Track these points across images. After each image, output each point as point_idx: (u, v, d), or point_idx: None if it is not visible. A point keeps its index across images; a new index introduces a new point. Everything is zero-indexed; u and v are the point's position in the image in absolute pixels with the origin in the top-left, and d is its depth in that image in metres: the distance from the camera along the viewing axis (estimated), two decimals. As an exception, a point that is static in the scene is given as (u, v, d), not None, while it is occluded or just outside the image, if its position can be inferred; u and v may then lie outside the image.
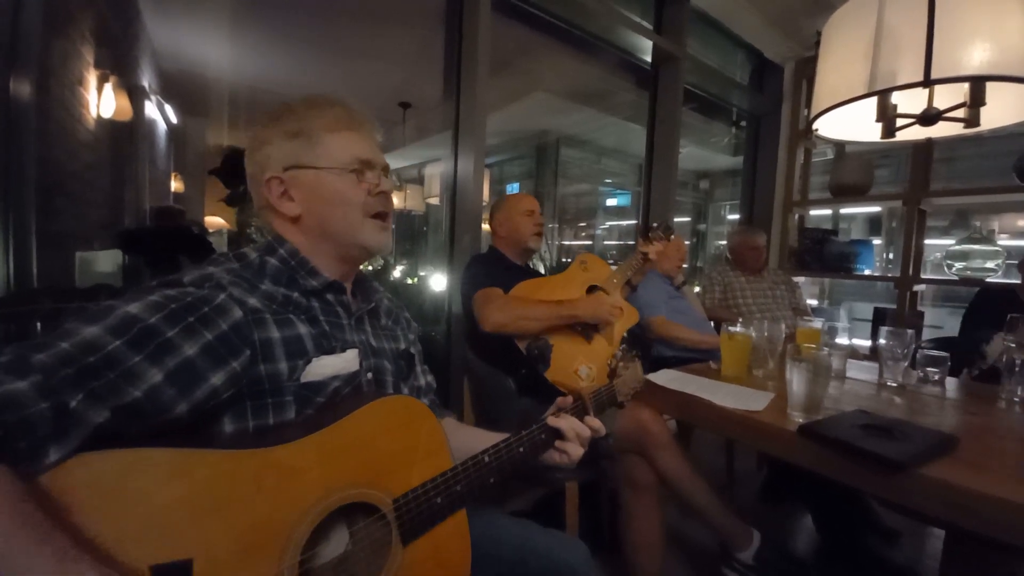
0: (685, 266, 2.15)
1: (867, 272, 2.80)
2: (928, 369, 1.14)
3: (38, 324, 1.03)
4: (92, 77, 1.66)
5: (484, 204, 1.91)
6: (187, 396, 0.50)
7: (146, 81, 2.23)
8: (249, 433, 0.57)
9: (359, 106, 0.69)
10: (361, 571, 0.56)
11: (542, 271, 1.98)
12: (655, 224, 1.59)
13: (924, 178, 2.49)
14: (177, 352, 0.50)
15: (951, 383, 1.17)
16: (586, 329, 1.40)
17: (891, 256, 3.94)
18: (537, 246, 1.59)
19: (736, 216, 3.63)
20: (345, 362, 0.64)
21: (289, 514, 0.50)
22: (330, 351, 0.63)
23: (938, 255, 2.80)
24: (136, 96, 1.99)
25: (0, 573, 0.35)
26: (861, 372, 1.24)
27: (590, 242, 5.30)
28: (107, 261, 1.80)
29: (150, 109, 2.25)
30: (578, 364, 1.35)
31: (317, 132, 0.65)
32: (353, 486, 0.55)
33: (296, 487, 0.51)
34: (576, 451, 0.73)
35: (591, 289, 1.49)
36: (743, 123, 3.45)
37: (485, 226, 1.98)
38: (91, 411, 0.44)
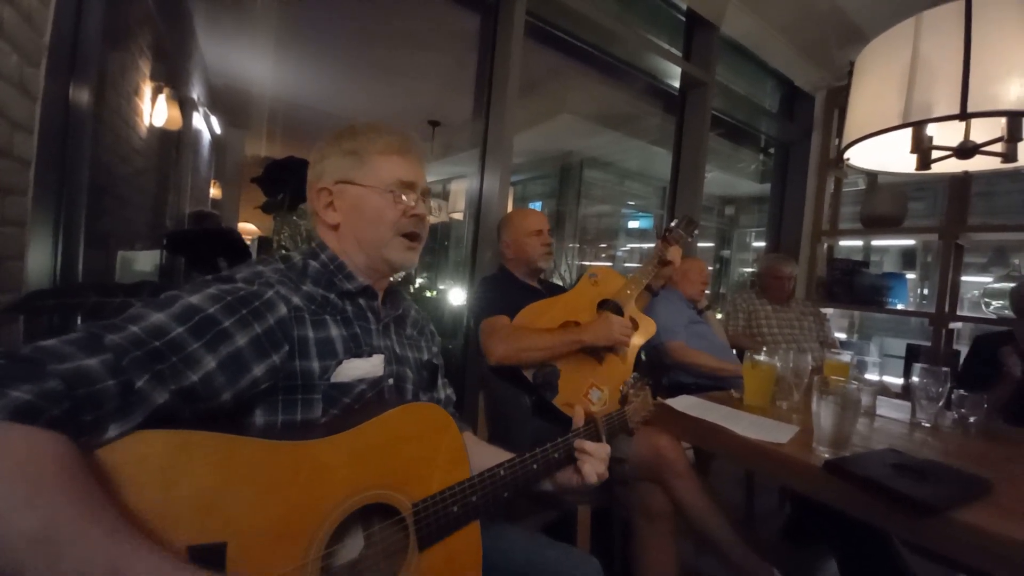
0: (708, 292, 2.12)
1: (900, 307, 2.70)
2: (963, 411, 1.09)
3: (79, 317, 1.09)
4: (147, 88, 1.77)
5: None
6: (233, 384, 0.53)
7: (195, 94, 2.37)
8: (277, 428, 0.59)
9: (413, 135, 0.75)
10: (377, 571, 0.56)
11: (561, 284, 1.94)
12: (674, 222, 1.47)
13: (961, 212, 2.41)
14: (230, 341, 0.53)
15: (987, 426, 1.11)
16: (597, 350, 1.35)
17: (926, 291, 3.80)
18: (547, 265, 1.53)
19: (762, 243, 3.57)
20: (372, 366, 0.67)
21: (319, 508, 0.51)
22: (358, 354, 0.66)
23: (976, 293, 2.69)
24: (186, 107, 2.11)
25: (52, 542, 0.36)
26: (892, 410, 1.19)
27: (610, 263, 5.28)
28: (146, 261, 1.88)
29: (197, 120, 2.38)
30: (590, 388, 1.31)
31: (370, 154, 0.71)
32: (377, 487, 0.56)
33: (327, 482, 0.52)
34: (593, 474, 0.73)
35: (602, 304, 1.42)
36: (771, 150, 3.42)
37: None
38: (154, 392, 0.46)
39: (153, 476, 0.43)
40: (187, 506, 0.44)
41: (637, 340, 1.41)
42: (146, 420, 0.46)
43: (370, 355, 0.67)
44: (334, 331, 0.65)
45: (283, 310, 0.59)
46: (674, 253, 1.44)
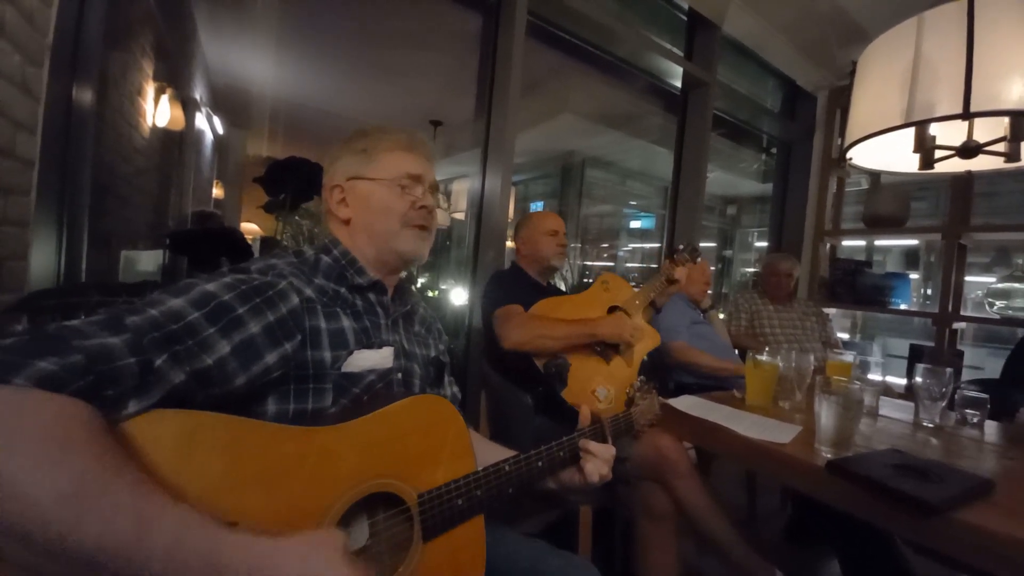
0: (710, 292, 2.12)
1: (903, 307, 2.69)
2: (967, 411, 1.08)
3: (81, 317, 1.09)
4: (150, 88, 1.77)
5: (509, 221, 1.94)
6: (246, 370, 0.54)
7: (198, 94, 2.37)
8: (288, 417, 0.60)
9: (421, 134, 0.79)
10: (382, 561, 0.56)
11: (563, 288, 1.97)
12: (680, 246, 1.57)
13: (964, 212, 2.40)
14: (244, 328, 0.55)
15: (990, 426, 1.11)
16: (605, 350, 1.38)
17: (929, 291, 3.79)
18: (560, 265, 1.60)
19: (764, 243, 3.57)
20: (381, 357, 0.69)
21: (326, 494, 0.52)
22: (369, 346, 0.68)
23: (979, 293, 2.68)
24: (188, 108, 2.12)
25: (79, 499, 0.36)
26: (895, 410, 1.19)
27: (612, 263, 5.28)
28: (149, 261, 1.89)
29: (200, 120, 2.39)
30: (596, 385, 1.33)
31: (379, 151, 0.74)
32: (384, 476, 0.56)
33: (334, 469, 0.53)
34: (595, 473, 0.73)
35: (612, 310, 1.47)
36: (773, 150, 3.41)
37: (509, 243, 2.00)
38: (172, 371, 0.48)
39: (166, 456, 0.44)
40: (197, 486, 0.44)
41: (642, 348, 1.45)
42: (161, 401, 0.46)
43: (379, 347, 0.69)
44: (345, 323, 0.66)
45: (295, 300, 0.61)
46: (680, 272, 1.51)
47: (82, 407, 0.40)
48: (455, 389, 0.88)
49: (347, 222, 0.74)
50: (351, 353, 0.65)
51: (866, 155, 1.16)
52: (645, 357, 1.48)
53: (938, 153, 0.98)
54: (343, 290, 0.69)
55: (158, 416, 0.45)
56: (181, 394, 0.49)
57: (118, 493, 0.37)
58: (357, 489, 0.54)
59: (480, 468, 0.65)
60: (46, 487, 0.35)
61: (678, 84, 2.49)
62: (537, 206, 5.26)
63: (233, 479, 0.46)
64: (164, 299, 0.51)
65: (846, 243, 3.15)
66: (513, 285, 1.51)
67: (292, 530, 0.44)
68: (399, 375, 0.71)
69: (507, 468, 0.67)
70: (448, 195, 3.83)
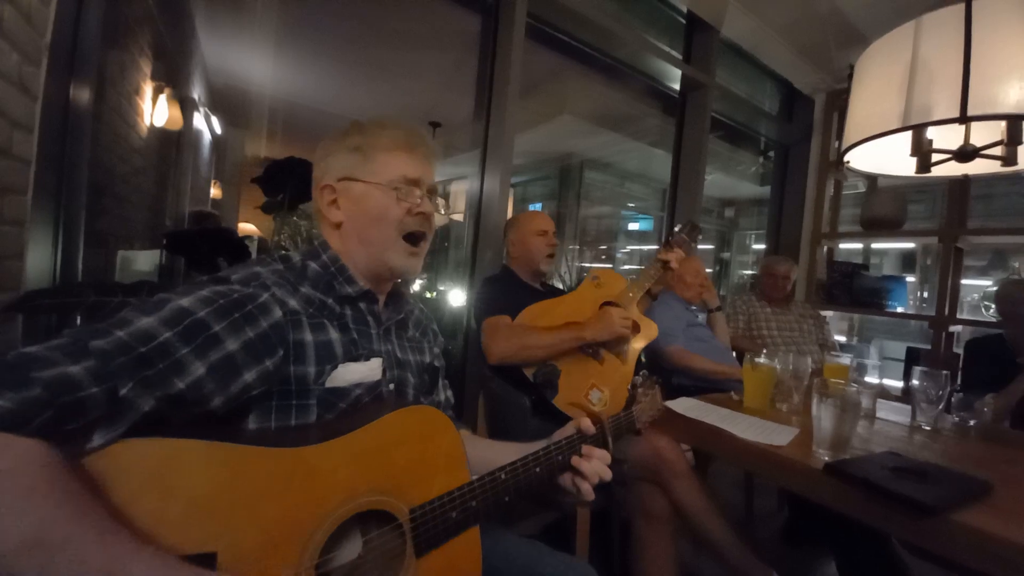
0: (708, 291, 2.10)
1: (900, 310, 2.70)
2: (963, 413, 1.09)
3: (78, 316, 1.08)
4: (148, 88, 1.77)
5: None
6: (224, 390, 0.51)
7: (196, 93, 2.37)
8: (271, 433, 0.57)
9: (421, 131, 0.72)
10: None
11: (561, 287, 1.95)
12: (678, 227, 1.50)
13: (961, 215, 2.42)
14: (221, 347, 0.51)
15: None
16: (597, 350, 1.35)
17: (926, 294, 3.81)
18: (548, 268, 1.55)
19: (762, 246, 3.58)
20: (369, 370, 0.65)
21: (312, 515, 0.50)
22: (356, 359, 0.64)
23: (975, 296, 2.69)
24: (187, 107, 2.11)
25: (45, 547, 0.36)
26: (892, 413, 1.19)
27: (610, 265, 5.28)
28: (146, 260, 1.88)
29: (198, 120, 2.38)
30: (590, 388, 1.31)
31: (375, 150, 0.68)
32: (374, 492, 0.55)
33: (321, 489, 0.51)
34: (595, 475, 0.71)
35: (605, 306, 1.42)
36: (771, 152, 3.42)
37: (507, 244, 1.99)
38: (140, 399, 0.45)
39: (138, 486, 0.42)
40: (177, 515, 0.43)
41: (639, 343, 1.42)
42: (133, 426, 0.45)
43: (367, 359, 0.65)
44: (333, 335, 0.63)
45: (277, 314, 0.57)
46: (674, 257, 1.43)
47: (40, 450, 0.38)
48: (448, 393, 0.85)
49: (338, 226, 0.69)
50: (336, 367, 0.61)
51: (863, 158, 1.16)
52: (642, 358, 1.46)
53: (935, 156, 0.98)
54: (330, 300, 0.65)
55: (128, 445, 0.43)
56: (153, 418, 0.46)
57: (84, 542, 0.36)
58: (346, 508, 0.52)
59: (476, 476, 0.63)
60: (9, 535, 0.35)
61: (676, 86, 2.50)
62: (535, 207, 5.27)
63: (214, 506, 0.45)
64: (133, 318, 0.48)
65: (843, 246, 3.16)
66: (504, 290, 1.47)
67: (279, 554, 0.43)
68: (391, 385, 0.69)
69: (503, 476, 0.64)
70: (446, 196, 3.83)
